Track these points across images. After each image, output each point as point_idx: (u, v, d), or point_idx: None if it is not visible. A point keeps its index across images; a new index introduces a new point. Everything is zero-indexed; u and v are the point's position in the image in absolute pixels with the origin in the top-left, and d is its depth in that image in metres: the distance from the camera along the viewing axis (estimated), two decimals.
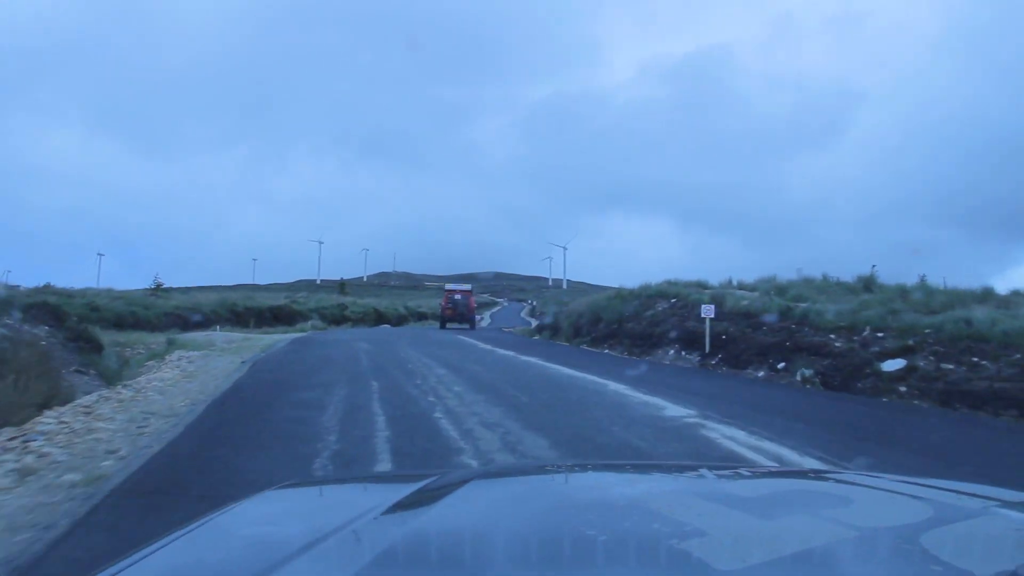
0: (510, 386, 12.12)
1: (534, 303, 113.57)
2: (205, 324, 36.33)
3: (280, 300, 49.15)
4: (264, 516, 1.62)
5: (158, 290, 46.92)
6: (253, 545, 1.37)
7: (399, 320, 60.56)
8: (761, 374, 17.13)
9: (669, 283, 29.12)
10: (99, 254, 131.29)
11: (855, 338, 16.41)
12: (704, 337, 20.56)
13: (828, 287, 25.11)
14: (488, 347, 22.97)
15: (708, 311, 20.32)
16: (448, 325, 43.50)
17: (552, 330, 33.16)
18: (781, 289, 23.83)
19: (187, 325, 35.47)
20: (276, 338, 28.06)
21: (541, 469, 2.71)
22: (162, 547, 1.30)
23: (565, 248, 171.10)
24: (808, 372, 15.80)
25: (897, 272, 25.91)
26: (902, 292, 20.35)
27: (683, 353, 21.31)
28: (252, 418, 8.96)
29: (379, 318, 55.45)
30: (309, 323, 42.19)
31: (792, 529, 1.39)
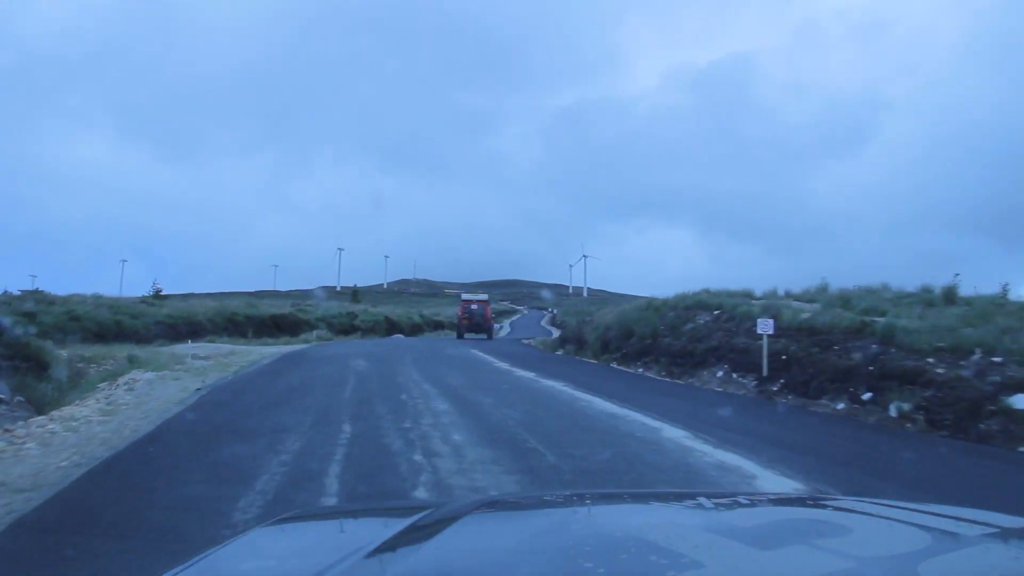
0: (530, 432, 8.97)
1: (555, 311, 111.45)
2: (199, 334, 33.49)
3: (286, 308, 46.30)
4: (260, 552, 1.61)
5: (156, 297, 44.19)
6: None
7: (413, 330, 57.56)
8: (840, 406, 13.85)
9: (709, 292, 25.85)
10: (122, 260, 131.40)
11: (962, 363, 13.13)
12: (759, 357, 17.32)
13: (896, 298, 21.84)
14: (505, 366, 19.84)
15: (766, 326, 17.06)
16: (466, 335, 42.08)
17: (577, 344, 29.95)
18: (843, 300, 20.57)
19: (179, 335, 32.63)
20: (267, 352, 25.08)
21: (538, 500, 2.46)
22: None
23: (586, 256, 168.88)
24: (906, 407, 12.52)
25: (925, 281, 22.87)
26: (996, 304, 17.07)
27: (734, 376, 18.06)
28: (113, 509, 5.84)
29: (391, 328, 52.47)
30: (314, 333, 39.29)
31: (788, 560, 1.36)
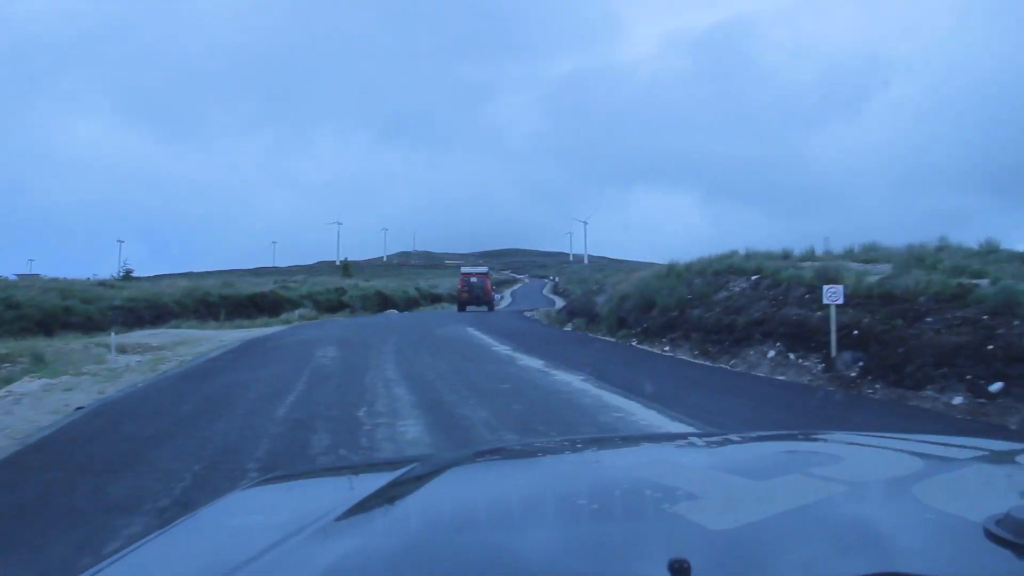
0: None
1: (557, 279, 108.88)
2: (164, 319, 29.98)
3: (268, 286, 42.72)
4: (247, 508, 1.60)
5: (124, 279, 40.65)
6: (224, 546, 1.32)
7: (408, 304, 54.00)
8: (958, 401, 10.29)
9: (744, 254, 22.26)
10: (119, 241, 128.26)
11: None
12: (822, 332, 13.81)
13: (966, 255, 18.30)
14: (506, 350, 16.28)
15: (834, 294, 13.45)
16: (467, 308, 42.29)
17: (587, 317, 26.33)
18: (917, 259, 16.99)
19: (140, 321, 29.12)
20: (229, 339, 21.55)
21: (528, 448, 2.39)
22: (141, 546, 1.29)
23: (586, 223, 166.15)
24: None
25: (927, 238, 19.84)
26: None
27: (790, 356, 14.50)
28: None
29: (384, 303, 48.91)
30: (296, 313, 35.73)
31: (783, 487, 1.35)
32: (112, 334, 15.54)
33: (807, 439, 1.96)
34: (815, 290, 15.99)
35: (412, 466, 1.71)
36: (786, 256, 21.43)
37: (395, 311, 47.77)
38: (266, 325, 31.72)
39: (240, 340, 20.87)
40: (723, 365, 15.09)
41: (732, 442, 1.91)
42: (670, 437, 2.36)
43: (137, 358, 15.44)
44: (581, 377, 11.43)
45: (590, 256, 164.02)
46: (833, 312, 13.35)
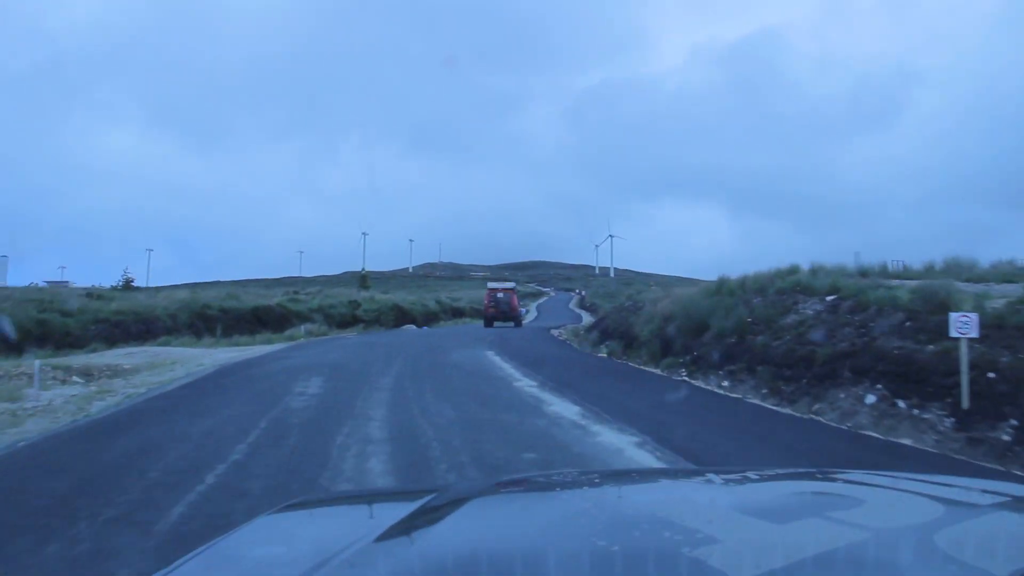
0: None
1: (583, 293, 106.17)
2: (153, 334, 27.17)
3: (277, 298, 39.90)
4: (268, 538, 1.58)
5: (124, 288, 38.01)
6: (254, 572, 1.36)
7: (427, 319, 50.99)
8: None
9: (811, 271, 18.96)
10: (148, 250, 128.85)
11: None
12: (941, 372, 10.60)
13: None
14: (530, 388, 13.09)
15: (966, 325, 10.17)
16: (494, 324, 41.84)
17: (622, 340, 23.08)
18: None
19: (126, 336, 26.32)
20: (212, 361, 18.61)
21: (547, 481, 2.34)
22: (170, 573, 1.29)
23: (612, 236, 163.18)
24: None
25: (954, 254, 17.23)
26: None
27: (899, 404, 11.20)
28: None
29: (401, 317, 45.92)
30: (302, 329, 32.82)
31: (806, 533, 1.34)
32: (36, 361, 12.54)
33: (826, 478, 1.93)
34: (916, 316, 12.81)
35: (431, 496, 1.71)
36: (864, 273, 18.11)
37: (413, 326, 44.81)
38: (268, 342, 28.83)
39: (222, 364, 17.90)
40: (811, 415, 11.82)
41: (751, 480, 1.87)
42: (688, 473, 2.32)
43: (74, 391, 12.46)
44: (634, 439, 8.23)
45: (616, 269, 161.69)
46: (965, 349, 10.08)
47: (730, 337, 16.89)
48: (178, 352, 22.13)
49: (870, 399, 11.59)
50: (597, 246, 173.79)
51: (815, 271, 19.03)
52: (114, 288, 38.29)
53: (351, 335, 33.49)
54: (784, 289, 17.90)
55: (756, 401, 13.11)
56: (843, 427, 11.19)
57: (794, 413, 12.21)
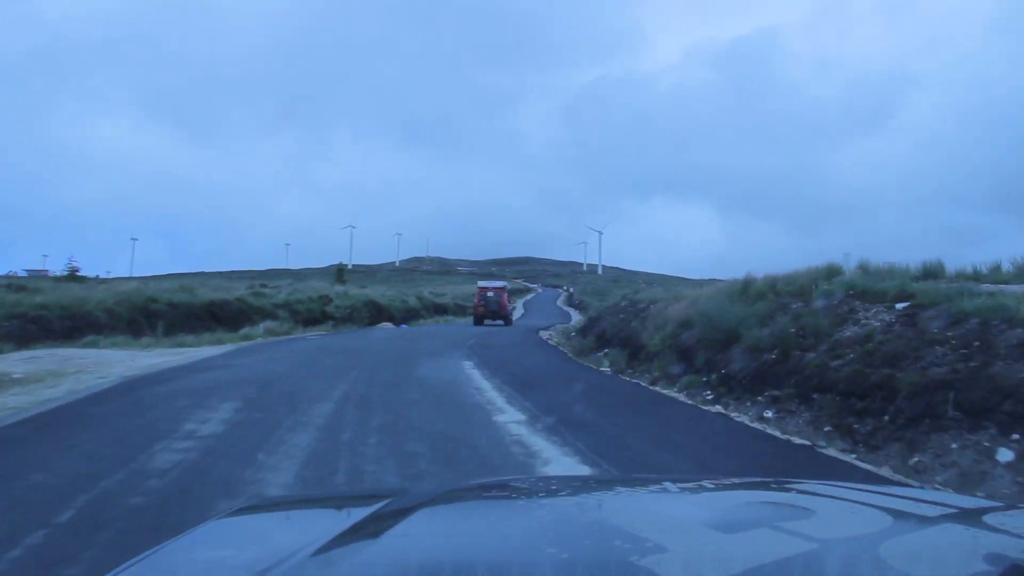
0: None
1: (571, 290, 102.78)
2: (82, 332, 23.47)
3: (239, 291, 36.12)
4: (216, 542, 1.57)
5: (69, 278, 34.20)
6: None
7: (407, 316, 47.34)
8: None
9: (861, 270, 15.50)
10: (132, 239, 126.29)
11: None
12: None
13: None
14: (518, 424, 9.47)
15: None
16: (484, 322, 41.94)
17: (625, 348, 19.56)
18: None
19: (49, 336, 22.59)
20: (124, 369, 14.97)
21: (502, 487, 2.28)
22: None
23: (601, 233, 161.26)
24: None
25: (949, 258, 14.44)
26: None
27: None
28: None
29: (377, 314, 42.26)
30: (261, 327, 29.14)
31: (752, 543, 1.37)
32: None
33: (781, 488, 1.96)
34: None
35: (386, 502, 1.71)
36: (931, 274, 14.64)
37: (390, 324, 41.20)
38: (218, 343, 25.18)
39: (131, 375, 14.30)
40: (910, 473, 8.32)
41: (706, 489, 1.92)
42: (644, 481, 2.05)
43: None
44: None
45: (604, 267, 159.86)
46: None
47: (769, 352, 13.41)
48: (98, 356, 18.51)
49: (1005, 455, 8.11)
50: (585, 243, 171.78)
51: (865, 270, 15.58)
52: (56, 278, 34.47)
53: (315, 335, 29.82)
54: (832, 293, 14.45)
55: (820, 446, 9.56)
56: (966, 492, 7.69)
57: (877, 469, 8.68)
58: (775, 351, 13.29)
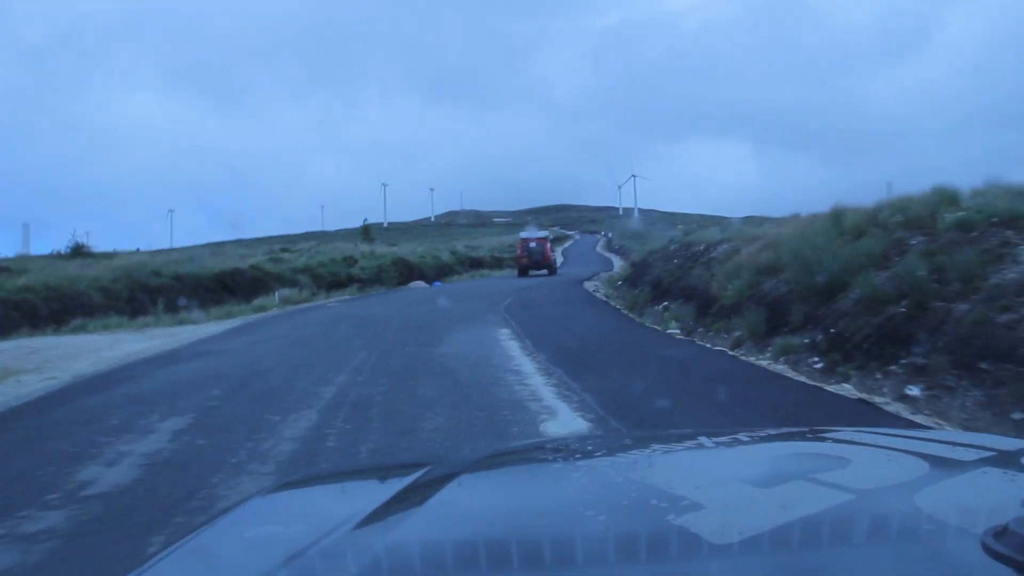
0: None
1: (610, 235, 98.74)
2: (71, 314, 20.93)
3: (255, 258, 33.48)
4: (263, 518, 1.55)
5: (74, 254, 31.83)
6: (239, 561, 1.32)
7: (440, 272, 44.48)
8: None
9: (1007, 189, 12.14)
10: (169, 211, 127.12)
11: None
12: None
13: None
14: (579, 426, 6.52)
15: None
16: (529, 273, 41.47)
17: (690, 301, 16.40)
18: None
19: (34, 321, 20.11)
20: (106, 357, 12.39)
21: (540, 451, 2.26)
22: (162, 559, 1.27)
23: (635, 177, 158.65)
24: None
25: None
26: None
27: None
28: None
29: (407, 273, 39.42)
30: (276, 295, 26.48)
31: (787, 495, 1.34)
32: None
33: (816, 438, 1.95)
34: None
35: (426, 469, 1.70)
36: None
37: (422, 283, 38.43)
38: (227, 317, 22.59)
39: (87, 372, 11.64)
40: None
41: (741, 442, 1.90)
42: (680, 437, 2.02)
43: None
44: None
45: (640, 210, 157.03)
46: None
47: (895, 305, 10.20)
48: (72, 345, 15.87)
49: None
50: (620, 187, 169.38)
51: (1007, 190, 12.18)
52: (58, 255, 32.05)
53: (336, 301, 27.07)
54: (970, 223, 11.15)
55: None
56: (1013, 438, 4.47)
57: None
58: (903, 302, 10.08)
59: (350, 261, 35.81)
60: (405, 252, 44.40)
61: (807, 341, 11.16)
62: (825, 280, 11.74)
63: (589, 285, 29.46)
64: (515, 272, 44.22)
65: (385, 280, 35.52)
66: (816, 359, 10.56)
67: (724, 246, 18.33)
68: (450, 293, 28.40)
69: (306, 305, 25.90)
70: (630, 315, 18.26)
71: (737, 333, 12.93)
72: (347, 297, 29.31)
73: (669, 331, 14.67)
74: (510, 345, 12.52)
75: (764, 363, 10.82)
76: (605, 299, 23.04)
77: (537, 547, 1.18)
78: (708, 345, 12.83)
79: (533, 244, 44.06)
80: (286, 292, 27.39)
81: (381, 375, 9.96)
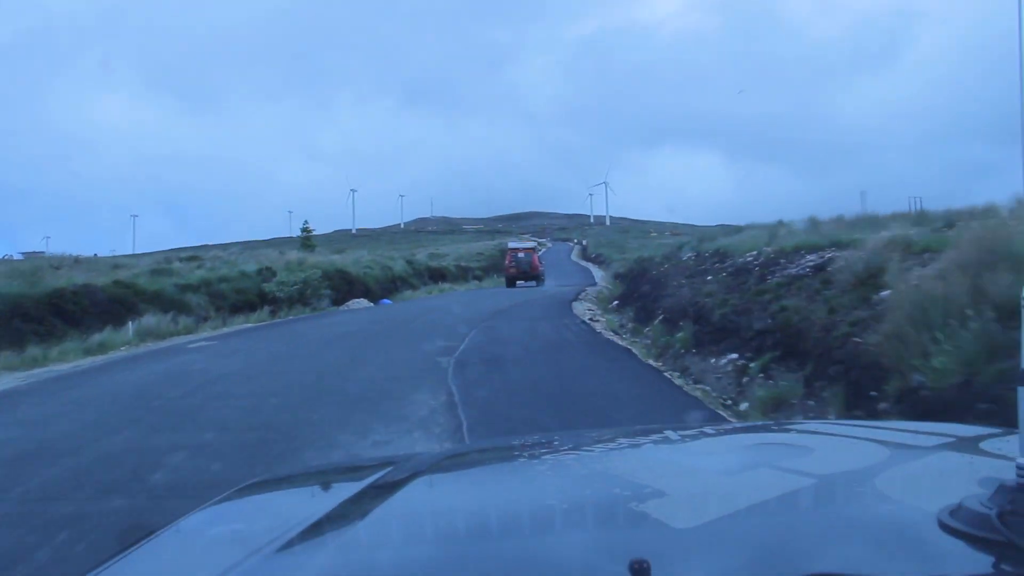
0: None
1: (584, 243, 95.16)
2: None
3: (142, 270, 25.19)
4: (228, 518, 1.56)
5: None
6: (197, 561, 1.31)
7: (391, 288, 36.37)
8: None
9: None
10: (132, 216, 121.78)
11: None
12: None
13: None
14: None
15: None
16: (517, 284, 41.38)
17: (700, 325, 8.69)
18: None
19: None
20: None
21: (504, 450, 2.19)
22: (123, 558, 1.27)
23: (606, 183, 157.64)
24: None
25: (955, 193, 3.05)
26: None
27: None
28: None
29: (348, 288, 31.27)
30: (130, 327, 18.27)
31: (749, 483, 1.35)
32: None
33: (781, 430, 1.92)
34: None
35: (388, 469, 1.67)
36: None
37: (365, 301, 30.36)
38: (22, 366, 14.39)
39: None
40: None
41: (707, 435, 1.91)
42: (646, 432, 1.96)
43: None
44: None
45: (611, 218, 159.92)
46: None
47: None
48: None
49: None
50: (591, 194, 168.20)
51: None
52: None
53: (209, 337, 18.81)
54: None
55: None
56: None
57: None
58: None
59: (268, 274, 27.58)
60: (347, 262, 36.12)
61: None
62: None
63: (580, 308, 21.64)
64: (481, 285, 44.09)
65: (313, 299, 27.35)
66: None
67: (839, 260, 10.53)
68: (387, 322, 20.31)
69: (172, 343, 17.70)
70: (647, 365, 10.32)
71: (805, 385, 5.19)
72: (243, 326, 21.08)
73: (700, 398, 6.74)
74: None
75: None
76: (613, 335, 15.14)
77: (500, 534, 1.19)
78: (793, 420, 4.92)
79: (521, 255, 44.47)
80: (151, 321, 19.14)
81: None
